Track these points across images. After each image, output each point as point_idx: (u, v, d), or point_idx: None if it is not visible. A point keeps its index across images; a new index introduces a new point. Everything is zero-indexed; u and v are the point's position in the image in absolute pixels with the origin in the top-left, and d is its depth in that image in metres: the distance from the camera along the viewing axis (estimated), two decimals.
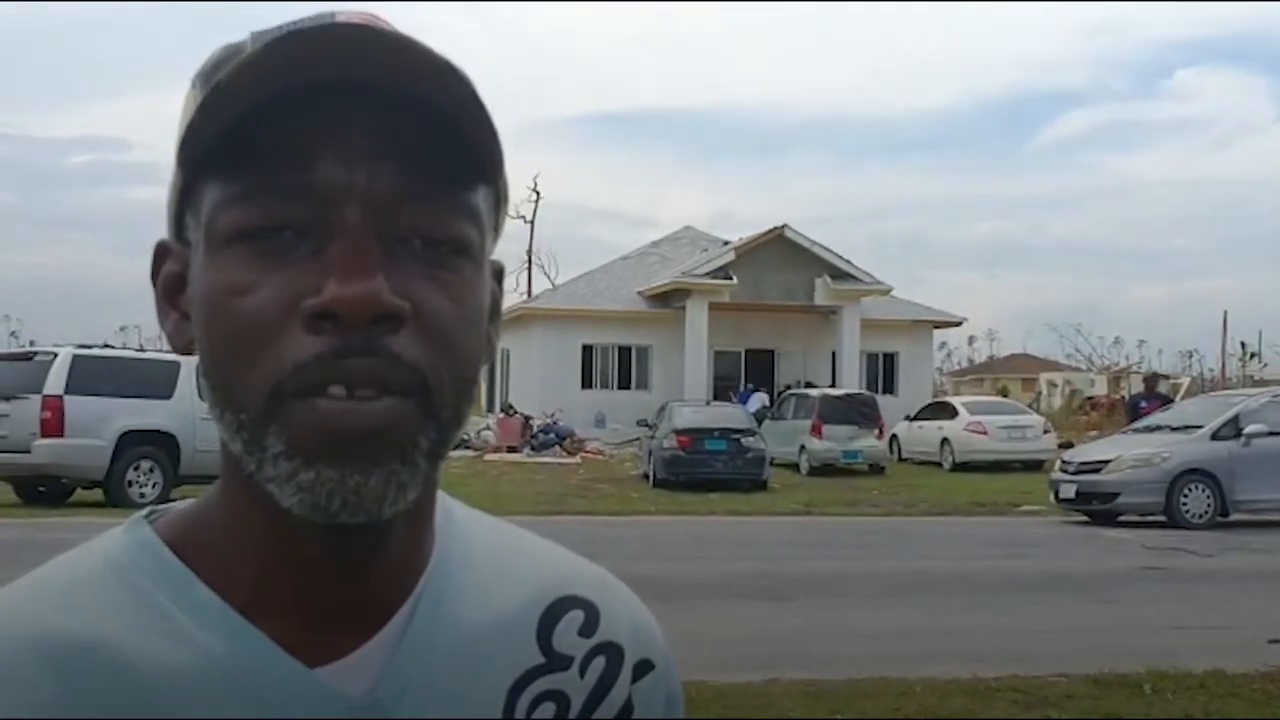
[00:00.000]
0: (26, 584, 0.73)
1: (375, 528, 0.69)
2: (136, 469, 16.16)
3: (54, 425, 15.48)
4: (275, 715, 0.69)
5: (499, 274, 0.78)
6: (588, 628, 0.81)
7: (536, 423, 28.52)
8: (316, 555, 0.70)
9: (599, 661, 0.80)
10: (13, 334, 65.52)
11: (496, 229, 0.75)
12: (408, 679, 0.73)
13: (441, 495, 0.80)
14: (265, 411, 0.66)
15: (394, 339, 0.66)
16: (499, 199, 0.74)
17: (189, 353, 0.72)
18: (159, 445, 16.21)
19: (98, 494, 16.24)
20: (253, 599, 0.71)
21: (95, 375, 15.87)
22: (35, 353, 17.25)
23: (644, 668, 0.83)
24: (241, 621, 0.71)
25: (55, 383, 15.61)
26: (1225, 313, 49.36)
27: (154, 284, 0.75)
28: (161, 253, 0.75)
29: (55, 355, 16.05)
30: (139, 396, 16.10)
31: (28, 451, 15.49)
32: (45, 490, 16.59)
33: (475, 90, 0.67)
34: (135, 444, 16.05)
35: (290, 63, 0.65)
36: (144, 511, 0.78)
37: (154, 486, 16.16)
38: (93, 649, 0.68)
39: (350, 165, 0.66)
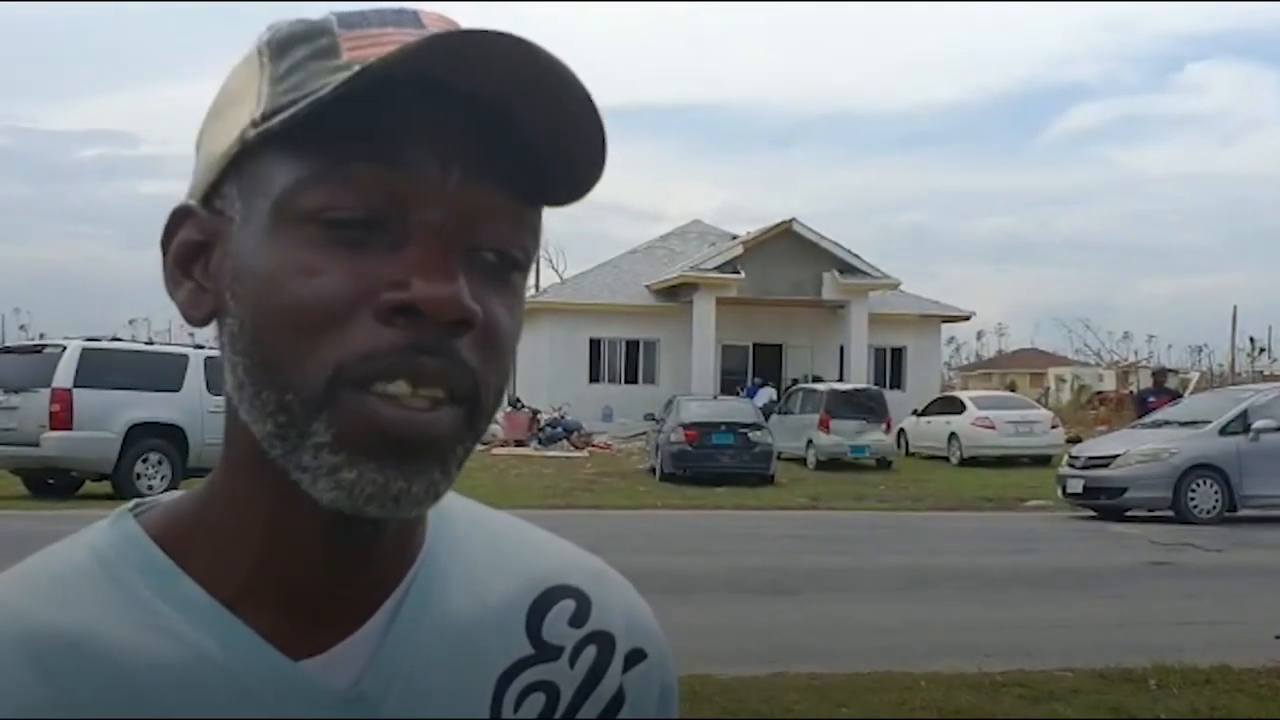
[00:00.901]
0: (12, 578, 0.72)
1: (376, 520, 0.68)
2: (145, 461, 16.19)
3: (62, 418, 15.51)
4: (261, 709, 0.69)
5: None
6: (578, 617, 0.80)
7: (544, 416, 28.53)
8: (313, 547, 0.70)
9: (590, 651, 0.80)
10: (21, 327, 65.63)
11: None
12: (394, 671, 0.72)
13: None
14: (321, 396, 0.65)
15: (461, 344, 0.66)
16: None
17: (204, 325, 0.71)
18: (167, 438, 16.25)
19: (106, 486, 16.29)
20: (239, 592, 0.71)
21: (104, 368, 15.90)
22: (44, 345, 17.31)
23: (636, 657, 0.82)
24: (227, 615, 0.70)
25: (64, 375, 15.64)
26: (1235, 308, 49.23)
27: (164, 250, 0.72)
28: (180, 217, 0.72)
29: (64, 348, 16.08)
30: (147, 389, 16.13)
31: (36, 444, 15.53)
32: (54, 483, 16.65)
33: (601, 123, 0.67)
34: (144, 436, 16.09)
35: (446, 61, 0.64)
36: (129, 504, 0.77)
37: (162, 479, 16.20)
38: (79, 644, 0.68)
39: (445, 168, 0.66)
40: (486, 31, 0.63)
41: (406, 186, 0.65)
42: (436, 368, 0.65)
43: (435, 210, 0.66)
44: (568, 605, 0.80)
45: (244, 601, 0.71)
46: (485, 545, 0.81)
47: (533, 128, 0.67)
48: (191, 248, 0.71)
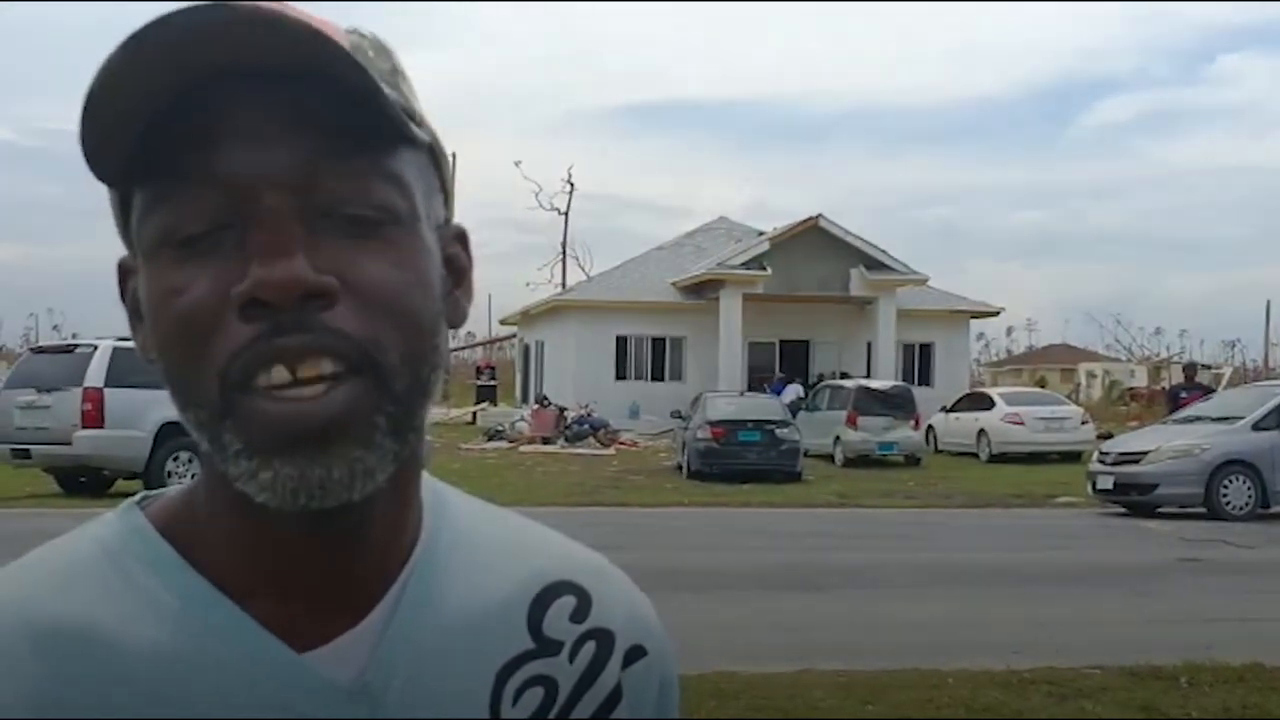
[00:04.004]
0: (18, 569, 0.73)
1: (355, 508, 0.68)
2: (176, 460, 16.28)
3: (94, 417, 15.64)
4: (266, 701, 0.69)
5: (461, 237, 0.78)
6: (579, 614, 0.81)
7: (571, 414, 28.54)
8: (298, 539, 0.70)
9: (589, 647, 0.80)
10: (55, 327, 66.36)
11: (444, 190, 0.75)
12: (395, 663, 0.73)
13: (433, 480, 0.80)
14: (219, 408, 0.66)
15: (330, 315, 0.66)
16: (437, 159, 0.74)
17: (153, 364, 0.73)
18: None
19: (138, 485, 16.40)
20: (242, 583, 0.72)
21: (135, 367, 15.92)
22: (76, 345, 17.44)
23: (636, 654, 0.83)
24: (231, 606, 0.71)
25: (95, 375, 15.76)
26: (1268, 302, 48.84)
27: (123, 302, 0.76)
28: (125, 271, 0.75)
29: (95, 347, 16.19)
30: None
31: (69, 443, 15.66)
32: (86, 481, 16.78)
33: (348, 54, 0.65)
34: (174, 435, 16.11)
35: (160, 60, 0.64)
36: (137, 496, 0.79)
37: (193, 477, 15.87)
38: (84, 634, 0.69)
39: (256, 150, 0.66)
40: (170, 15, 0.63)
41: (228, 181, 0.66)
42: (299, 345, 0.65)
43: (263, 193, 0.66)
44: (568, 601, 0.81)
45: (247, 592, 0.71)
46: (487, 540, 0.81)
47: (305, 79, 0.66)
48: (136, 296, 0.74)
